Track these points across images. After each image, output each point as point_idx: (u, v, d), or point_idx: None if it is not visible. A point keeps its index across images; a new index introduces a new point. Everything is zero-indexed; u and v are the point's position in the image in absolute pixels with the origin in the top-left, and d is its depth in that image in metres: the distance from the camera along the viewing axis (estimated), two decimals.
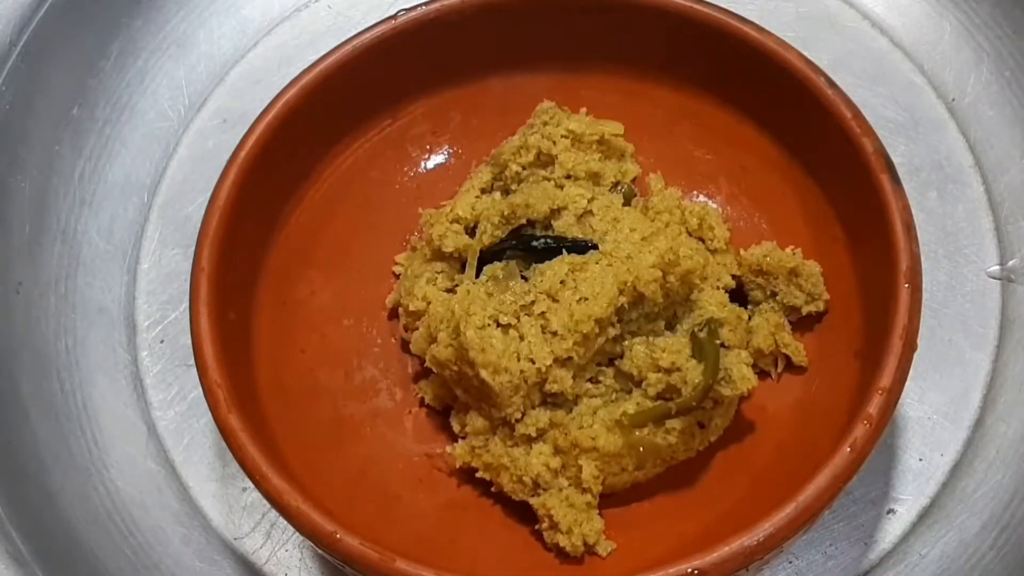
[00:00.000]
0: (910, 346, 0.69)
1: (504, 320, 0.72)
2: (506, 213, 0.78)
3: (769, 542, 0.63)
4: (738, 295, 0.80)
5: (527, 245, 0.77)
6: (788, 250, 0.80)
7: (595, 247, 0.76)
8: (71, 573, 0.79)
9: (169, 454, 0.87)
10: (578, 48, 0.86)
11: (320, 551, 0.69)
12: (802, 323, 0.80)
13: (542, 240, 0.77)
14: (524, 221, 0.78)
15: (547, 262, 0.75)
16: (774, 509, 0.64)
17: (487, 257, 0.78)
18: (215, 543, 0.84)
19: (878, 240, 0.73)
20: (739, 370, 0.72)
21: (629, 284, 0.72)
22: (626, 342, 0.74)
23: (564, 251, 0.76)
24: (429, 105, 0.88)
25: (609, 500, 0.75)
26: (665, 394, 0.73)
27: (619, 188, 0.82)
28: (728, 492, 0.75)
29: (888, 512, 0.81)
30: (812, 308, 0.79)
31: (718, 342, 0.74)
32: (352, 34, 0.83)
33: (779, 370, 0.79)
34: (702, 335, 0.74)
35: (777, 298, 0.80)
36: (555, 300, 0.73)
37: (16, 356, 0.87)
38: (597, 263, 0.73)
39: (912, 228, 0.72)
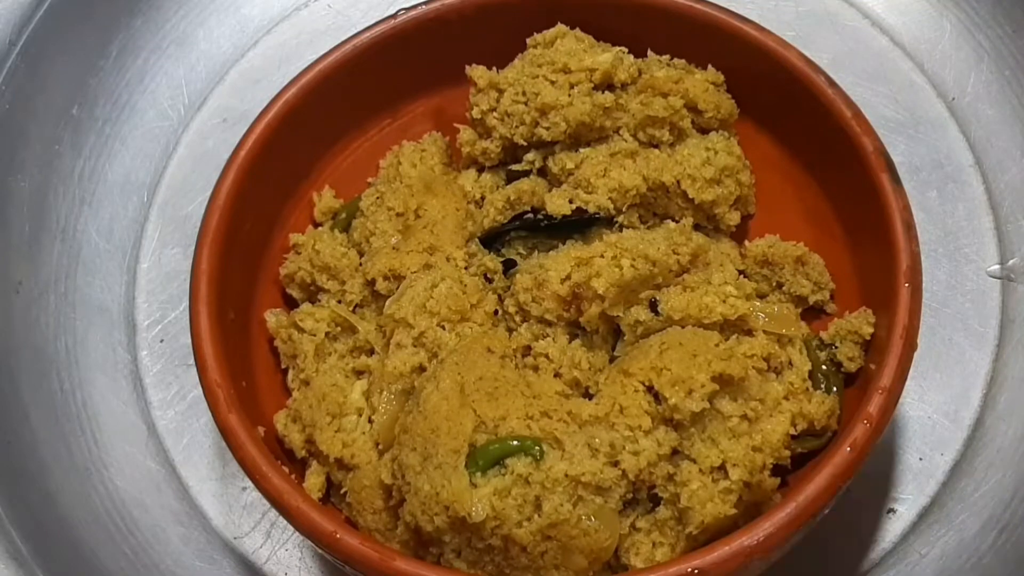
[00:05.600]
0: (910, 346, 0.69)
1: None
2: (512, 198, 0.78)
3: (769, 542, 0.63)
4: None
5: (532, 225, 0.78)
6: (791, 243, 0.80)
7: (601, 219, 0.76)
8: (71, 573, 0.79)
9: (169, 454, 0.87)
10: None
11: (320, 550, 0.69)
12: (803, 320, 0.80)
13: (545, 220, 0.77)
14: (528, 208, 0.78)
15: (551, 252, 0.75)
16: (774, 509, 0.65)
17: (489, 240, 0.79)
18: (215, 543, 0.84)
19: (878, 239, 0.73)
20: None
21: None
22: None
23: (567, 242, 0.76)
24: (429, 104, 0.88)
25: None
26: None
27: None
28: None
29: (888, 512, 0.81)
30: (819, 297, 0.79)
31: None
32: (352, 33, 0.84)
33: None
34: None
35: (783, 288, 0.79)
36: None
37: (16, 355, 0.87)
38: (602, 256, 0.73)
39: (912, 227, 0.72)
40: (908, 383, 0.69)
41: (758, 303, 0.73)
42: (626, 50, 0.81)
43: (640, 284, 0.73)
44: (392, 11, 0.84)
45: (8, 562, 0.76)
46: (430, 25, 0.84)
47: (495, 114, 0.80)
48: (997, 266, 0.89)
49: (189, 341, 0.73)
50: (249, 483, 0.70)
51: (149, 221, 0.95)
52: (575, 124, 0.77)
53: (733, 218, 0.80)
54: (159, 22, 1.02)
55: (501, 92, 0.80)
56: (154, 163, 0.98)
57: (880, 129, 0.77)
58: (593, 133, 0.79)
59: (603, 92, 0.79)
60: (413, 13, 0.84)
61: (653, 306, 0.73)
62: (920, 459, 0.83)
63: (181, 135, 0.99)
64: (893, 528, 0.81)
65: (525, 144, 0.79)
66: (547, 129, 0.78)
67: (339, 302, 0.79)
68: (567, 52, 0.79)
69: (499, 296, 0.77)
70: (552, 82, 0.78)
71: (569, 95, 0.78)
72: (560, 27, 0.81)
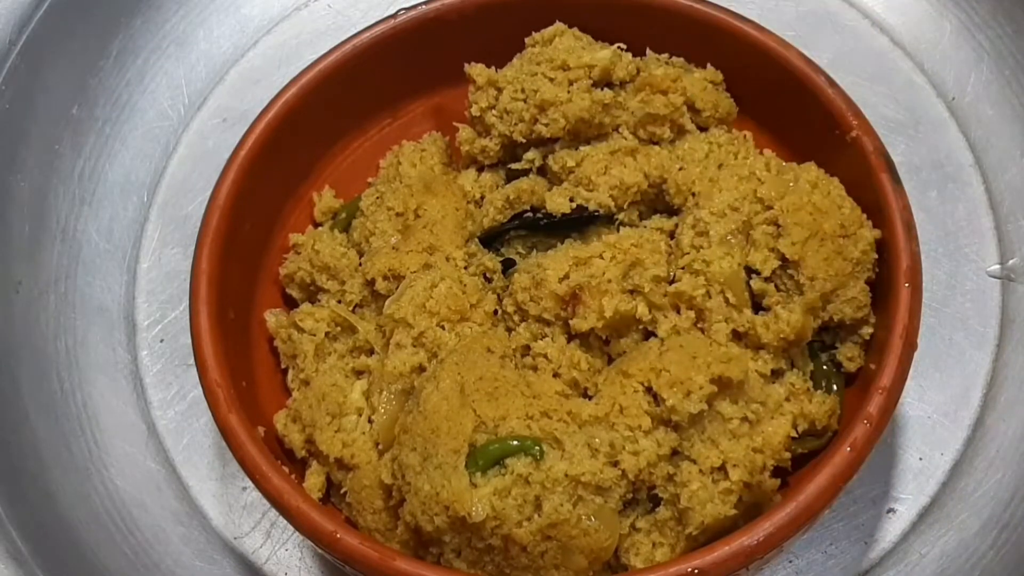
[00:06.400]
0: (910, 345, 0.69)
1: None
2: (511, 198, 0.78)
3: (769, 542, 0.63)
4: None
5: (531, 224, 0.78)
6: None
7: (600, 217, 0.76)
8: (71, 572, 0.79)
9: (169, 454, 0.87)
10: None
11: (320, 550, 0.69)
12: None
13: (544, 218, 0.77)
14: (528, 207, 0.78)
15: (549, 252, 0.75)
16: (774, 509, 0.65)
17: (488, 240, 0.79)
18: (215, 542, 0.84)
19: (878, 239, 0.74)
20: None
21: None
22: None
23: (565, 241, 0.76)
24: (429, 104, 0.88)
25: None
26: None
27: None
28: None
29: (888, 511, 0.81)
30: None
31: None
32: (352, 33, 0.84)
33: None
34: None
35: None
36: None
37: (16, 355, 0.87)
38: (601, 257, 0.73)
39: (912, 227, 0.72)
40: (908, 383, 0.69)
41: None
42: (624, 47, 0.81)
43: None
44: (392, 11, 0.84)
45: (8, 562, 0.76)
46: (430, 25, 0.84)
47: (494, 112, 0.80)
48: (997, 266, 0.89)
49: (189, 341, 0.73)
50: (249, 483, 0.70)
51: (149, 221, 0.95)
52: (574, 120, 0.78)
53: None
54: (159, 22, 1.02)
55: (500, 90, 0.80)
56: (154, 163, 0.98)
57: (880, 129, 0.77)
58: (592, 129, 0.79)
59: (602, 89, 0.79)
60: (413, 13, 0.84)
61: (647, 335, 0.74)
62: (920, 459, 0.83)
63: (181, 135, 0.99)
64: (893, 528, 0.81)
65: (524, 141, 0.79)
66: (546, 126, 0.78)
67: (339, 302, 0.79)
68: (566, 49, 0.79)
69: (498, 296, 0.77)
70: (551, 79, 0.78)
71: (568, 91, 0.78)
72: (559, 25, 0.81)
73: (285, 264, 0.82)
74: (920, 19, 0.99)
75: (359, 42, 0.83)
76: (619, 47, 0.81)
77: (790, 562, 0.80)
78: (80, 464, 0.85)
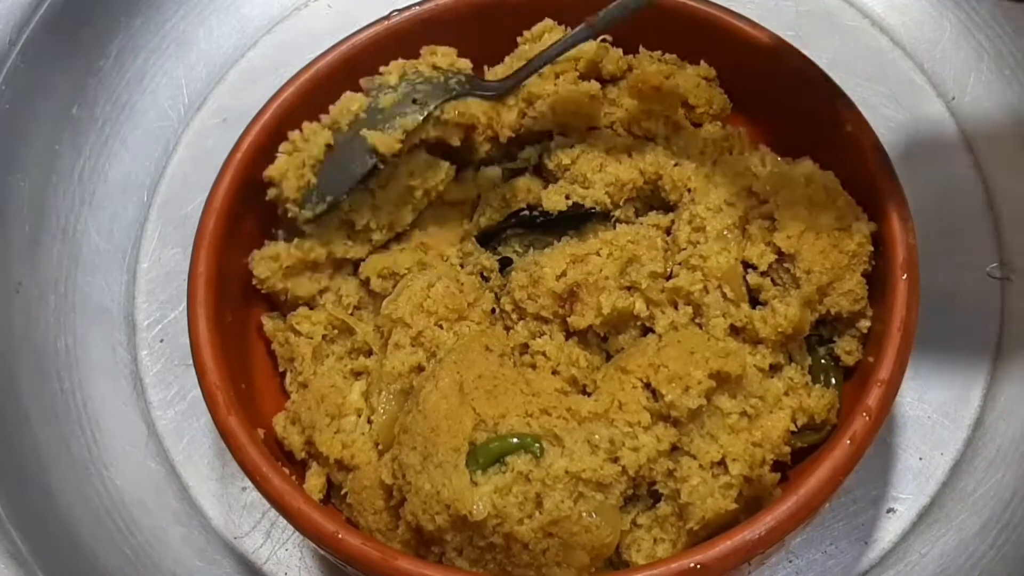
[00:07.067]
0: (908, 337, 0.69)
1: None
2: (508, 196, 0.78)
3: (770, 536, 0.63)
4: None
5: (528, 222, 0.77)
6: None
7: (596, 214, 0.76)
8: (71, 572, 0.79)
9: (169, 454, 0.87)
10: None
11: (321, 550, 0.69)
12: None
13: (541, 216, 0.77)
14: (524, 205, 0.78)
15: (546, 250, 0.75)
16: (775, 503, 0.64)
17: (485, 238, 0.79)
18: (215, 543, 0.84)
19: (875, 233, 0.74)
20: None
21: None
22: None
23: (562, 239, 0.77)
24: None
25: None
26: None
27: None
28: None
29: (888, 511, 0.81)
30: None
31: None
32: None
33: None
34: None
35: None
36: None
37: (16, 356, 0.87)
38: (598, 254, 0.73)
39: (909, 220, 0.72)
40: (908, 383, 0.70)
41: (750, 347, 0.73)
42: (610, 40, 0.81)
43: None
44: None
45: (8, 562, 0.76)
46: (426, 24, 0.83)
47: None
48: (997, 265, 0.89)
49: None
50: (249, 483, 0.70)
51: (149, 221, 0.95)
52: (560, 112, 0.78)
53: None
54: (159, 22, 1.02)
55: None
56: (154, 163, 0.98)
57: (880, 129, 0.77)
58: (581, 121, 0.79)
59: (589, 81, 0.79)
60: (407, 13, 0.84)
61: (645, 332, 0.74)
62: (920, 459, 0.83)
63: (181, 135, 0.99)
64: (893, 528, 0.81)
65: (514, 136, 0.79)
66: (534, 119, 0.78)
67: (335, 303, 0.79)
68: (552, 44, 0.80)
69: (496, 294, 0.77)
70: (539, 73, 0.78)
71: (555, 84, 0.78)
72: (547, 22, 0.82)
73: None
74: (920, 19, 0.99)
75: (356, 42, 0.83)
76: (604, 39, 0.81)
77: (790, 562, 0.80)
78: (80, 464, 0.85)
